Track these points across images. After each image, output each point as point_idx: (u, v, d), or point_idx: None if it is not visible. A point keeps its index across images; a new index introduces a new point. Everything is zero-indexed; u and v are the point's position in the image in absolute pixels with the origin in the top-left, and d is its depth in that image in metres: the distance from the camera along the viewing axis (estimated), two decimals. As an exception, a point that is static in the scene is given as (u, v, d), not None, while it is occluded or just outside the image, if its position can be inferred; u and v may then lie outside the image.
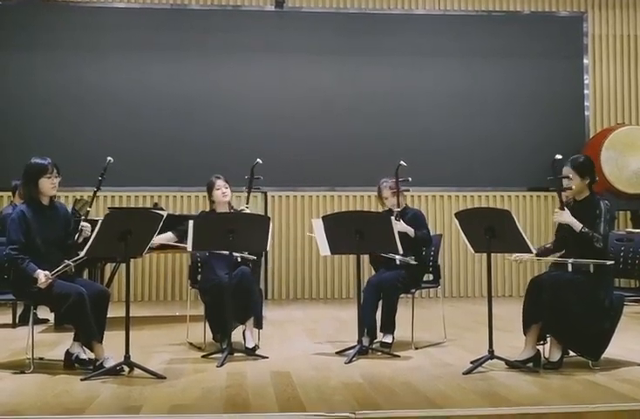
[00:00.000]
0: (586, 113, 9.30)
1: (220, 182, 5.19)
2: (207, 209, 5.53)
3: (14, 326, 6.14)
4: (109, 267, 6.98)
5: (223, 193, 5.17)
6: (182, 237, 5.04)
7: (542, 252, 4.61)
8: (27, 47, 8.72)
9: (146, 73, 8.85)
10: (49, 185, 4.41)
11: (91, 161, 8.01)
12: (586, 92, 9.32)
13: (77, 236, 4.43)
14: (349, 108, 8.97)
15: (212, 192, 5.20)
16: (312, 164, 8.80)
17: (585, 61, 9.36)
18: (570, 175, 4.36)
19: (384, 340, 4.94)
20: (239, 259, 4.97)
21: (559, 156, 4.35)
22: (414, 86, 9.09)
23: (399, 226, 4.95)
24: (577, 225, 4.27)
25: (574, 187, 4.35)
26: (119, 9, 8.92)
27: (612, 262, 4.37)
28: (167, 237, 5.21)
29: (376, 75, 9.06)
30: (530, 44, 9.24)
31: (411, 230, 5.09)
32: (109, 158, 4.53)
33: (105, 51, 8.78)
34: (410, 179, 5.15)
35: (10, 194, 7.03)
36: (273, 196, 8.83)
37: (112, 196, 8.58)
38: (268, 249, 4.96)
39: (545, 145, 8.79)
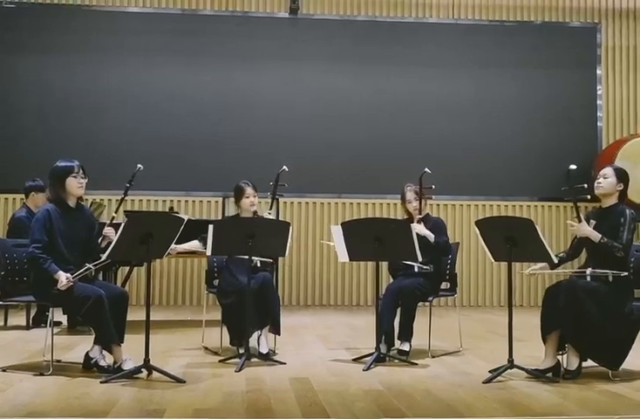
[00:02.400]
0: (599, 123, 9.30)
1: (249, 191, 5.14)
2: (232, 214, 5.49)
3: (28, 328, 6.13)
4: (121, 271, 6.97)
5: (251, 202, 5.13)
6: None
7: (556, 263, 4.51)
8: (41, 50, 8.75)
9: (160, 77, 8.87)
10: (76, 184, 4.40)
11: (106, 164, 8.12)
12: (599, 102, 9.32)
13: (100, 240, 4.42)
14: (361, 116, 8.98)
15: (240, 199, 5.16)
16: (325, 170, 8.81)
17: (598, 72, 9.37)
18: (607, 173, 4.39)
19: (401, 348, 4.92)
20: (258, 264, 4.96)
21: (573, 166, 4.36)
22: (425, 95, 9.10)
23: (420, 229, 4.96)
24: (596, 236, 4.26)
25: (605, 186, 4.37)
26: (133, 13, 8.96)
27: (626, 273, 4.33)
28: (194, 245, 5.14)
29: (388, 83, 9.08)
30: (543, 54, 9.26)
31: (431, 235, 5.08)
32: (139, 165, 4.50)
33: (119, 54, 8.82)
34: (433, 186, 5.16)
35: (22, 196, 7.02)
36: (285, 202, 8.81)
37: (125, 200, 8.52)
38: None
39: (558, 155, 8.81)
